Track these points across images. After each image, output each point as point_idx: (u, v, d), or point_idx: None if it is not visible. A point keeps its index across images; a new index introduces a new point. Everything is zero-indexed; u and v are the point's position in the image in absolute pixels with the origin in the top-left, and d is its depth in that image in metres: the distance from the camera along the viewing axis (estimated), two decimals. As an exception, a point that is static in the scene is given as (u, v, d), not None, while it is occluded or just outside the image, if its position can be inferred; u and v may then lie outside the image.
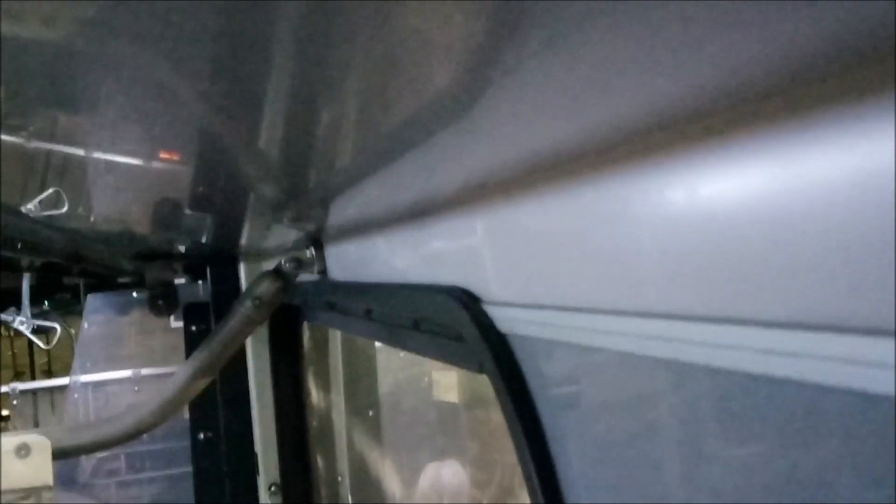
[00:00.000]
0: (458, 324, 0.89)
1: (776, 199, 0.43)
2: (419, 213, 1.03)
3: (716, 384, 0.53)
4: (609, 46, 0.43)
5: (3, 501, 1.63)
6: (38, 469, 1.67)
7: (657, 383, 0.62)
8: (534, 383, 0.78)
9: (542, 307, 0.74)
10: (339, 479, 2.51)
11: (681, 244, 0.52)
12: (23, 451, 1.66)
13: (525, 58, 0.49)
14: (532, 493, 0.77)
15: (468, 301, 0.88)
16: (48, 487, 1.67)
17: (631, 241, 0.58)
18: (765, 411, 0.48)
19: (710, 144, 0.48)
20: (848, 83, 0.38)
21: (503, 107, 0.63)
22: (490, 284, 0.86)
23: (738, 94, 0.44)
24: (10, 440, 1.67)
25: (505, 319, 0.83)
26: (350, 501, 2.49)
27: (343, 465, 2.50)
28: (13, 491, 1.64)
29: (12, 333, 7.15)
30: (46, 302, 6.61)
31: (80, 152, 0.96)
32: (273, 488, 2.51)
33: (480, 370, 0.87)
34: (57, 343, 6.02)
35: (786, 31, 0.35)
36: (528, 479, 0.78)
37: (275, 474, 2.50)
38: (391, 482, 2.46)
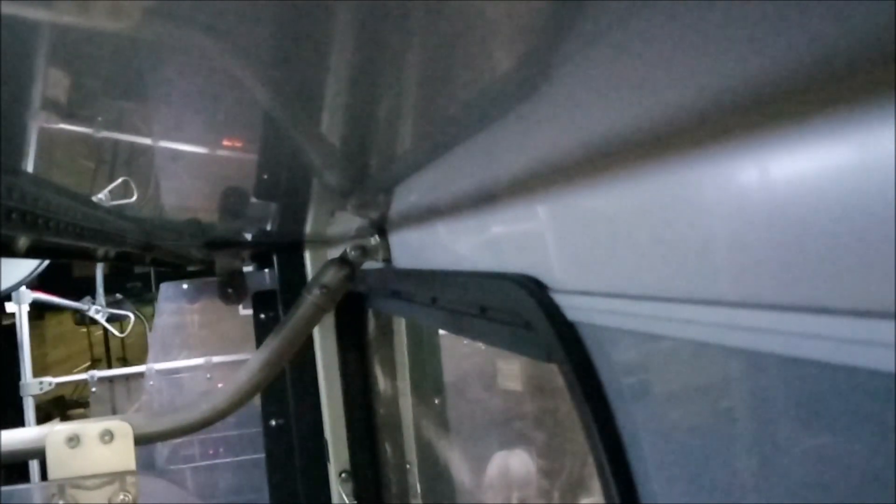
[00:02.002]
0: (525, 312, 0.88)
1: (854, 182, 0.41)
2: (483, 199, 1.02)
3: (790, 374, 0.51)
4: (673, 31, 0.42)
5: (88, 486, 1.68)
6: (122, 454, 1.72)
7: (730, 373, 0.60)
8: (604, 373, 0.77)
9: (610, 295, 0.73)
10: (408, 466, 2.52)
11: (751, 230, 0.50)
12: (107, 436, 1.71)
13: (589, 41, 0.48)
14: (604, 483, 0.76)
15: (535, 289, 0.86)
16: (131, 472, 1.72)
17: (701, 227, 0.56)
18: (843, 402, 0.46)
19: (781, 128, 0.46)
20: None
21: (567, 90, 0.61)
22: (556, 272, 0.84)
23: (809, 75, 0.42)
24: (95, 426, 1.72)
25: (573, 308, 0.81)
26: (419, 489, 2.50)
27: (411, 453, 2.51)
28: (98, 475, 1.69)
29: (88, 323, 7.37)
30: (119, 291, 6.80)
31: (148, 142, 0.98)
32: (343, 475, 2.53)
33: (549, 359, 0.85)
34: (130, 331, 6.19)
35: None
36: (600, 468, 0.76)
37: (345, 461, 2.53)
38: (459, 470, 2.46)
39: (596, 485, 0.78)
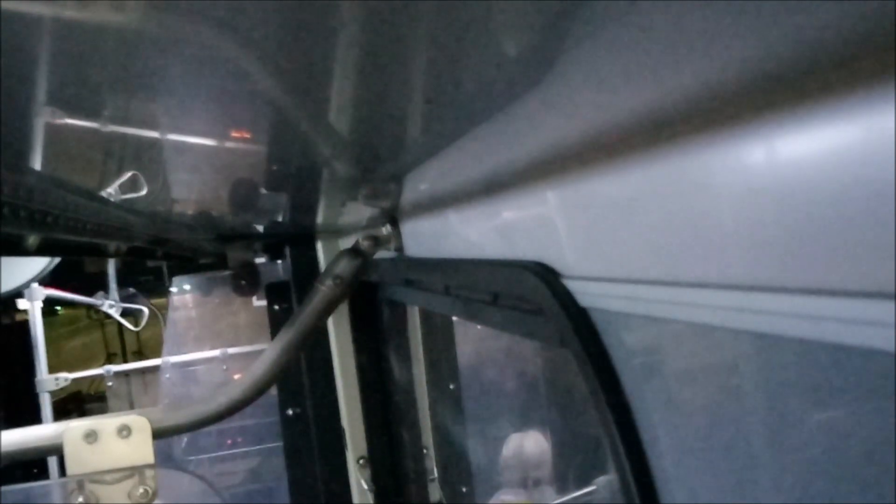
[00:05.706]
0: (537, 299, 0.88)
1: (860, 165, 0.40)
2: (493, 187, 1.01)
3: (800, 356, 0.51)
4: (680, 16, 0.41)
5: (107, 481, 1.69)
6: (140, 448, 1.72)
7: (741, 356, 0.60)
8: (616, 357, 0.77)
9: (621, 280, 0.72)
10: (425, 451, 2.54)
11: (758, 214, 0.50)
12: (124, 431, 1.72)
13: (598, 27, 0.47)
14: (619, 467, 0.76)
15: (547, 275, 0.86)
16: (150, 466, 1.73)
17: (709, 212, 0.56)
18: (854, 384, 0.46)
19: (786, 113, 0.45)
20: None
21: (575, 77, 0.61)
22: (568, 258, 0.84)
23: (814, 60, 0.41)
24: (112, 421, 1.73)
25: (584, 294, 0.81)
26: (436, 474, 2.52)
27: (427, 438, 2.53)
28: (117, 470, 1.70)
29: (103, 317, 7.40)
30: (132, 285, 6.81)
31: (156, 135, 0.97)
32: (361, 461, 2.55)
33: (562, 345, 0.85)
34: (146, 325, 6.21)
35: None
36: (614, 452, 0.76)
37: (362, 448, 2.55)
38: (474, 453, 2.47)
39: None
